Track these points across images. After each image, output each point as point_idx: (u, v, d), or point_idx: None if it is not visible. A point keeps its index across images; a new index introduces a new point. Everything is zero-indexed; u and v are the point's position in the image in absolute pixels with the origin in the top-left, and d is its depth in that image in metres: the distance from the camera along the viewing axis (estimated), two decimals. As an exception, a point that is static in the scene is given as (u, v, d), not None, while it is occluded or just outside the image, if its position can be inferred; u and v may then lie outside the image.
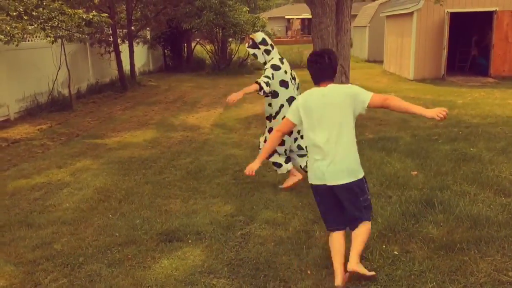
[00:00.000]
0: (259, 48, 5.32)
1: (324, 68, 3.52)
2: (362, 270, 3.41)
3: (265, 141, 5.34)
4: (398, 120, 8.40)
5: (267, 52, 5.31)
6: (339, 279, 3.35)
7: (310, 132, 3.49)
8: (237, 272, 3.67)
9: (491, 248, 3.78)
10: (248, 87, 4.99)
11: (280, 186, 5.46)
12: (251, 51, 5.37)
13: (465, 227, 4.14)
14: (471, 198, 4.79)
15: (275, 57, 5.29)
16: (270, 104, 5.25)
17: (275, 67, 5.17)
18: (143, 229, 4.47)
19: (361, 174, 3.48)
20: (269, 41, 5.34)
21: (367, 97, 3.39)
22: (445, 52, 14.82)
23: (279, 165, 5.40)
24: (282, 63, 5.27)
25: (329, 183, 3.41)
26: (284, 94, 5.17)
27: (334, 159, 3.37)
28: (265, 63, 5.34)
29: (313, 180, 3.52)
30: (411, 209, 4.54)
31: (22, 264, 3.91)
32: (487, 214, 4.36)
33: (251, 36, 5.39)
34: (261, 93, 5.04)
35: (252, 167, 3.71)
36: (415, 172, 5.67)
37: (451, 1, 14.35)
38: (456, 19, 15.10)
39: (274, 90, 5.15)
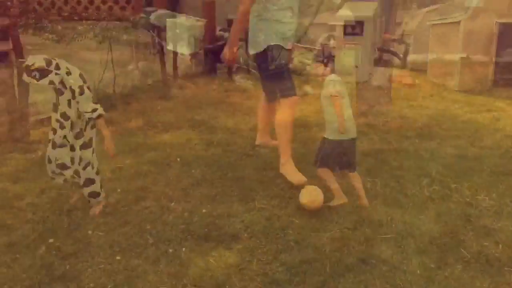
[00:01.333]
0: (51, 70, 4.15)
1: None
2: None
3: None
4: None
5: (57, 67, 4.21)
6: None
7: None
8: (272, 276, 3.68)
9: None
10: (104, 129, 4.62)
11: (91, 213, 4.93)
12: (46, 81, 4.15)
13: None
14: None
15: (73, 72, 4.35)
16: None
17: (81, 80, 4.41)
18: (180, 227, 4.55)
19: None
20: (48, 56, 4.28)
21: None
22: (492, 64, 14.39)
23: (98, 195, 4.98)
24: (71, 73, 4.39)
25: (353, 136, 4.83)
26: None
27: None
28: (62, 83, 4.26)
29: (341, 135, 4.71)
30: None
31: (63, 256, 4.04)
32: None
33: (31, 68, 4.05)
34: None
35: None
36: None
37: (501, 11, 13.94)
38: (506, 30, 14.63)
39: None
